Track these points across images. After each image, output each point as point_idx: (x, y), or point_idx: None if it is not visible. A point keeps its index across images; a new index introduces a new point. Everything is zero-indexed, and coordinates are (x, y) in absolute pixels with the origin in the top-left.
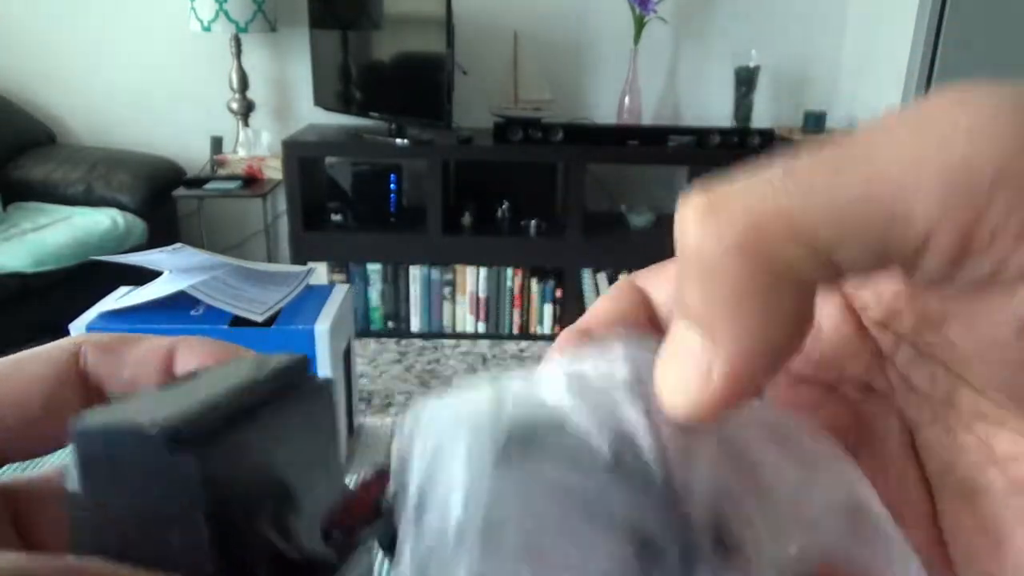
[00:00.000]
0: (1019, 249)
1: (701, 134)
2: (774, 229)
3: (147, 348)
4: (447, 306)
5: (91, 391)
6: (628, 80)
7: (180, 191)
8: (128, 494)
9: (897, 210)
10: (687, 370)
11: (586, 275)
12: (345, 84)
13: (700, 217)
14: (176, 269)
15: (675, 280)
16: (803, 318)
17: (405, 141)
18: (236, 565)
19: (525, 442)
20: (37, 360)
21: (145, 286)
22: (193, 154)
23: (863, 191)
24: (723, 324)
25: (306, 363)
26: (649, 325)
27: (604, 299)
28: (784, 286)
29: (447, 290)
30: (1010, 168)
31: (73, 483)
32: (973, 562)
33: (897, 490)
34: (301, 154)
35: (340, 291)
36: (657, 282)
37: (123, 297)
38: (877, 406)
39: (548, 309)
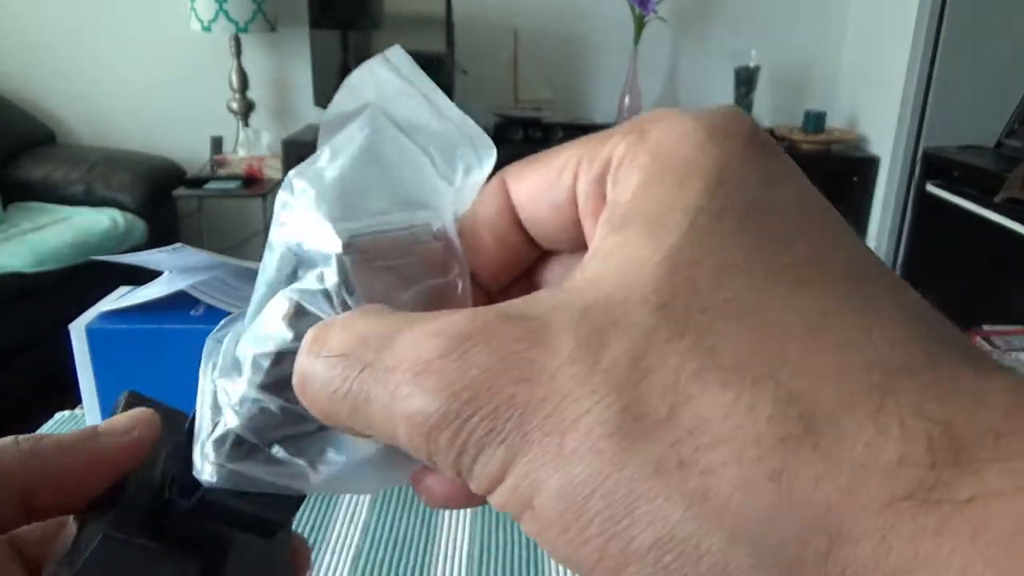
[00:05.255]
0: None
1: None
2: (339, 410)
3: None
4: None
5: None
6: (628, 80)
7: (180, 191)
8: None
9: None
10: (329, 404)
11: None
12: None
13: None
14: (176, 269)
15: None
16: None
17: None
18: None
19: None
20: None
21: (145, 286)
22: (193, 154)
23: (383, 431)
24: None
25: None
26: (512, 227)
27: (478, 201)
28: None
29: None
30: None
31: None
32: None
33: None
34: (301, 154)
35: None
36: (520, 179)
37: (123, 297)
38: None
39: None
